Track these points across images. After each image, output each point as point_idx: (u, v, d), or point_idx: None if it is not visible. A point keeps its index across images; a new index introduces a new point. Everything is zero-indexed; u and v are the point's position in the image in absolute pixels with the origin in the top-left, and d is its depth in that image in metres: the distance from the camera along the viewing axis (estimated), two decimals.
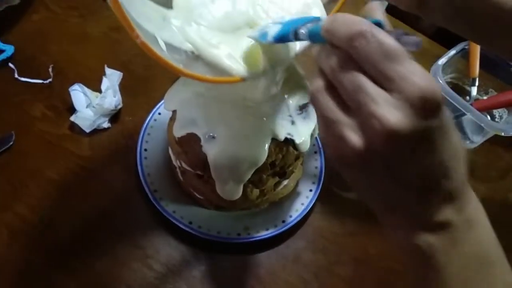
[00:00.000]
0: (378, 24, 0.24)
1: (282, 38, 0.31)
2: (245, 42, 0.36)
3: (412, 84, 0.22)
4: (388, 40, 0.23)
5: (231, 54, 0.35)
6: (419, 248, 0.27)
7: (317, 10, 0.37)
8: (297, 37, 0.29)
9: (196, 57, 0.35)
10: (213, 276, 0.49)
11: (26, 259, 0.47)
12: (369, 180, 0.27)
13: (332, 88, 0.26)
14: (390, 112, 0.23)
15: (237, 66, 0.35)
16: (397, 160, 0.25)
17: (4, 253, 0.47)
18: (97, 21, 0.68)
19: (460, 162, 0.27)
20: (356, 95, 0.24)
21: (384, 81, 0.23)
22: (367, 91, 0.23)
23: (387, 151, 0.24)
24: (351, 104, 0.25)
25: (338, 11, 0.38)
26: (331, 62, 0.25)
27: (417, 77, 0.23)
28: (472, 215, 0.28)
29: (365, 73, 0.24)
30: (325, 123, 0.26)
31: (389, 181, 0.26)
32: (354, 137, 0.24)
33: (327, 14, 0.38)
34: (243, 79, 0.35)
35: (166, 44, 0.34)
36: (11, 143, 0.53)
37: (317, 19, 0.29)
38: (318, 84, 0.26)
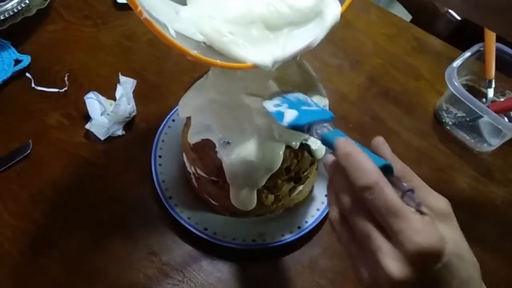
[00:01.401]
0: (387, 167, 0.28)
1: (295, 128, 0.34)
2: (256, 32, 0.36)
3: (411, 241, 0.25)
4: (392, 198, 0.26)
5: (243, 42, 0.35)
6: None
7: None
8: (310, 133, 0.32)
9: (208, 47, 0.35)
10: (229, 282, 0.49)
11: (44, 266, 0.47)
12: None
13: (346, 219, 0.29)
14: (393, 264, 0.26)
15: (248, 53, 0.35)
16: None
17: (22, 259, 0.47)
18: (110, 30, 0.69)
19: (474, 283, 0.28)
20: (366, 241, 0.28)
21: (389, 233, 0.27)
22: (374, 241, 0.27)
23: None
24: (362, 244, 0.28)
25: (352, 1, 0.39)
26: (344, 199, 0.29)
27: (416, 233, 0.25)
28: None
29: (374, 218, 0.27)
30: (344, 250, 0.30)
31: None
32: (365, 274, 0.28)
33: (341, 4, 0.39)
34: (254, 66, 0.35)
35: (178, 34, 0.34)
36: (28, 151, 0.54)
37: (327, 117, 0.33)
38: (334, 215, 0.30)
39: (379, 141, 0.31)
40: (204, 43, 0.35)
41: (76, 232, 0.50)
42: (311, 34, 0.38)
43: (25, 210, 0.51)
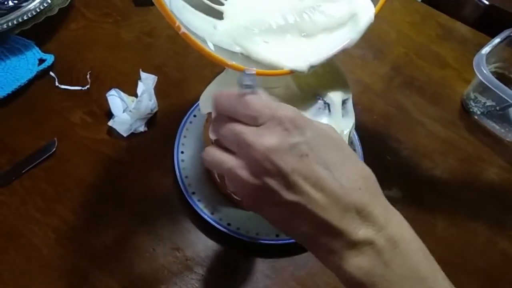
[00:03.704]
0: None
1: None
2: (290, 39, 0.36)
3: (269, 115, 0.28)
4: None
5: (278, 49, 0.36)
6: (352, 276, 0.29)
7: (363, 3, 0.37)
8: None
9: (246, 57, 0.36)
10: (253, 278, 0.49)
11: (72, 262, 0.48)
12: (275, 210, 0.30)
13: (219, 145, 0.31)
14: (260, 137, 0.28)
15: (284, 59, 0.35)
16: (283, 175, 0.28)
17: (51, 255, 0.48)
18: (130, 26, 0.69)
19: (355, 180, 0.30)
20: (234, 137, 0.29)
21: (250, 122, 0.29)
22: (240, 130, 0.29)
23: (272, 169, 0.28)
24: (234, 148, 0.30)
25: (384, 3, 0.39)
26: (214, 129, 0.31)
27: (268, 108, 0.29)
28: (395, 232, 0.29)
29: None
30: (222, 172, 0.30)
31: (288, 206, 0.29)
32: (245, 173, 0.29)
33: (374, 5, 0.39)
34: (290, 72, 0.36)
35: (216, 46, 0.35)
36: (54, 149, 0.55)
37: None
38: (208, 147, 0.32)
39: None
40: (242, 53, 0.36)
41: (102, 228, 0.51)
42: (345, 37, 0.38)
43: (52, 207, 0.52)
